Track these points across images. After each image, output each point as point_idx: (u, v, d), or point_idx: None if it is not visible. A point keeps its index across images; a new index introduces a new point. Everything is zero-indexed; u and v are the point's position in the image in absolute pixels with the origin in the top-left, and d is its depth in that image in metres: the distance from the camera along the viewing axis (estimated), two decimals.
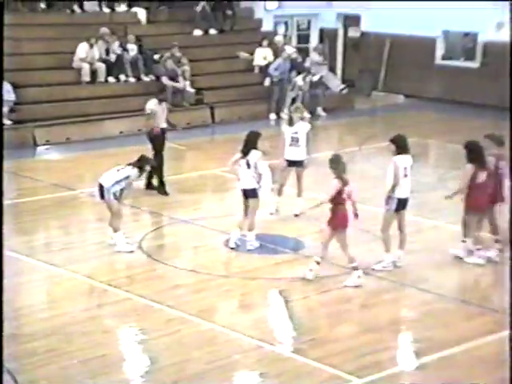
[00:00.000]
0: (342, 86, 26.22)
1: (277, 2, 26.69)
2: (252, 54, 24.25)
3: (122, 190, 12.44)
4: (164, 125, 15.51)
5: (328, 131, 22.41)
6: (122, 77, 21.98)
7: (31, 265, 12.06)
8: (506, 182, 12.41)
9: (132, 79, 22.12)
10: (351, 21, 27.65)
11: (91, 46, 21.41)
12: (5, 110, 18.88)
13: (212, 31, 24.64)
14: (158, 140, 15.38)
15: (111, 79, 21.84)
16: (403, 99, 26.21)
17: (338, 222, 11.33)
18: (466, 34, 25.84)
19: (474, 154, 12.14)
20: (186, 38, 23.74)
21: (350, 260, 11.44)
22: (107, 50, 21.82)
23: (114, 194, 12.38)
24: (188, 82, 22.17)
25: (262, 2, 26.30)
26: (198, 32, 24.43)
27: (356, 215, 11.39)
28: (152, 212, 14.68)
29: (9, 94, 19.09)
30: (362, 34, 27.31)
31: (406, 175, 11.77)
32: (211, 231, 13.38)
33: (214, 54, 24.13)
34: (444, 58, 26.00)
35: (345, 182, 11.30)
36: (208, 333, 10.01)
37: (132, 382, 8.95)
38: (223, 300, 11.08)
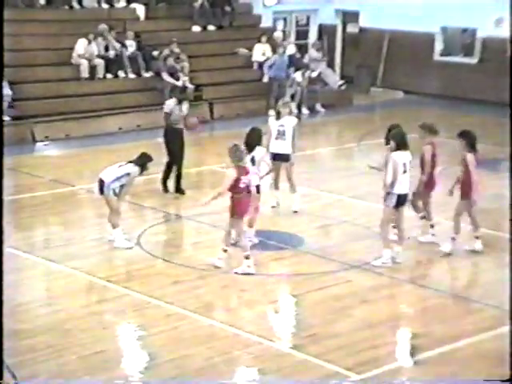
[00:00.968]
0: (341, 81, 26.22)
1: None
2: (251, 50, 24.24)
3: (121, 186, 12.43)
4: (181, 125, 15.17)
5: (326, 127, 22.43)
6: (121, 73, 21.98)
7: (30, 261, 12.07)
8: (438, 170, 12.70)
9: (131, 75, 22.12)
10: (350, 17, 27.64)
11: (89, 42, 21.41)
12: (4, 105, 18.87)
13: (211, 27, 24.63)
14: (172, 140, 15.07)
15: (110, 75, 21.84)
16: (402, 95, 26.23)
17: (234, 210, 11.56)
18: (465, 30, 25.85)
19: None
20: (184, 34, 23.72)
21: (243, 248, 11.62)
22: (106, 46, 21.82)
23: (114, 190, 12.39)
24: (187, 78, 22.17)
25: None
26: (196, 28, 24.42)
27: (256, 209, 11.90)
28: (151, 208, 14.68)
29: (5, 90, 19.07)
30: (361, 29, 27.30)
31: (405, 171, 11.78)
32: (210, 227, 13.38)
33: (213, 50, 24.12)
34: (443, 53, 26.00)
35: (241, 172, 11.44)
36: (207, 329, 10.02)
37: (131, 378, 8.95)
38: (222, 296, 11.09)
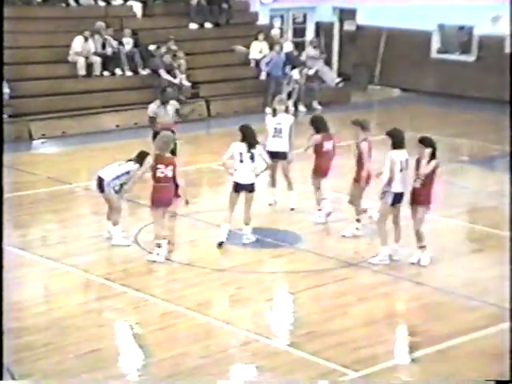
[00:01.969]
0: (338, 79, 26.23)
1: None
2: (248, 47, 24.23)
3: (121, 185, 12.41)
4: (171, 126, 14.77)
5: None
6: (118, 71, 21.96)
7: (27, 259, 12.06)
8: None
9: (128, 73, 22.10)
10: (347, 14, 27.62)
11: (86, 39, 21.39)
12: None
13: (208, 25, 24.61)
14: None
15: (107, 73, 21.82)
16: (399, 93, 26.22)
17: (153, 198, 11.82)
18: (462, 28, 25.84)
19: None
20: (181, 32, 23.70)
21: (156, 237, 11.82)
22: (103, 43, 21.80)
23: (114, 189, 12.37)
24: (184, 76, 22.15)
25: None
26: (193, 25, 24.41)
27: (186, 202, 12.17)
28: (148, 206, 14.64)
29: (4, 88, 19.03)
30: (358, 27, 27.28)
31: (401, 169, 11.78)
32: (207, 225, 13.38)
33: (210, 48, 24.10)
34: (440, 51, 25.99)
35: (160, 161, 11.70)
36: (204, 326, 10.02)
37: (128, 376, 8.95)
38: (219, 294, 11.08)
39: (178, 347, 9.48)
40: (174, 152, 12.27)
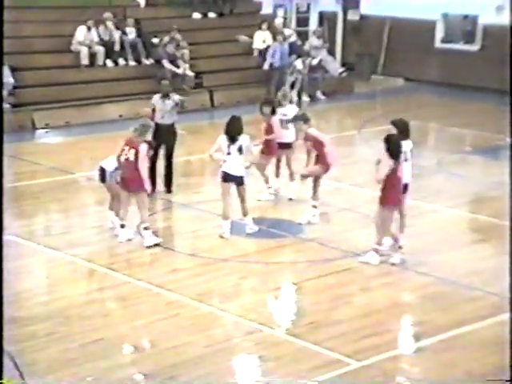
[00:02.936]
0: (342, 69, 26.18)
1: None
2: (251, 37, 24.18)
3: (121, 176, 12.40)
4: (168, 121, 14.46)
5: (327, 115, 22.38)
6: (121, 60, 21.94)
7: (31, 248, 12.07)
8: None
9: (132, 63, 22.08)
10: (351, 4, 27.56)
11: (89, 29, 21.36)
12: (4, 93, 18.85)
13: (211, 14, 24.57)
14: (157, 135, 14.11)
15: (110, 63, 21.79)
16: (403, 82, 26.18)
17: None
18: (466, 17, 25.77)
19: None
20: (184, 22, 23.66)
21: (120, 215, 12.18)
22: (107, 33, 21.75)
23: (115, 179, 12.37)
24: (187, 66, 22.12)
25: None
26: (196, 15, 24.36)
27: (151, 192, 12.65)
28: (150, 196, 14.64)
29: (7, 78, 19.05)
30: (362, 17, 27.23)
31: (406, 159, 11.75)
32: (210, 215, 13.37)
33: (213, 38, 24.06)
34: (444, 41, 25.94)
35: (127, 142, 12.03)
36: (207, 316, 10.03)
37: (131, 366, 8.96)
38: (222, 283, 11.08)
39: (181, 337, 9.49)
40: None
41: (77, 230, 12.91)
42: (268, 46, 23.52)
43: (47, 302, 10.41)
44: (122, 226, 12.21)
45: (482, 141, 19.23)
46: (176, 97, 14.73)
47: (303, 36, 25.72)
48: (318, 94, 23.81)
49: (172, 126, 14.62)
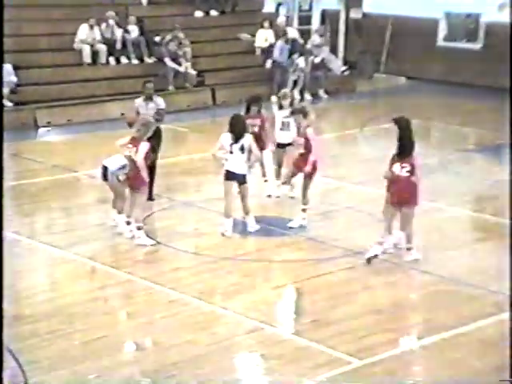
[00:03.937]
0: (344, 67, 26.18)
1: None
2: (253, 35, 24.19)
3: (126, 174, 12.40)
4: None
5: (329, 113, 22.39)
6: (124, 58, 21.94)
7: (33, 247, 12.08)
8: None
9: (134, 61, 22.09)
10: (353, 2, 27.56)
11: (91, 27, 21.37)
12: (6, 91, 18.87)
13: (213, 12, 24.57)
14: None
15: (112, 61, 21.80)
16: (405, 81, 26.17)
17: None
18: (469, 15, 25.76)
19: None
20: (187, 20, 23.69)
21: (126, 212, 12.22)
22: (110, 31, 21.76)
23: (118, 177, 12.38)
24: (189, 64, 22.13)
25: None
26: (199, 13, 24.38)
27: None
28: (153, 194, 14.66)
29: (10, 76, 19.06)
30: (364, 15, 27.23)
31: None
32: (213, 213, 13.37)
33: (216, 36, 24.08)
34: (446, 39, 25.94)
35: (130, 141, 12.11)
36: (209, 314, 10.03)
37: (133, 364, 8.97)
38: (224, 282, 11.09)
39: (183, 335, 9.49)
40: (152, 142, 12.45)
41: (79, 228, 12.91)
42: (270, 44, 23.52)
43: (49, 299, 10.42)
44: (128, 223, 12.21)
45: (484, 139, 19.22)
46: (159, 100, 14.31)
47: (305, 34, 25.72)
48: (321, 92, 23.82)
49: (157, 129, 13.58)
